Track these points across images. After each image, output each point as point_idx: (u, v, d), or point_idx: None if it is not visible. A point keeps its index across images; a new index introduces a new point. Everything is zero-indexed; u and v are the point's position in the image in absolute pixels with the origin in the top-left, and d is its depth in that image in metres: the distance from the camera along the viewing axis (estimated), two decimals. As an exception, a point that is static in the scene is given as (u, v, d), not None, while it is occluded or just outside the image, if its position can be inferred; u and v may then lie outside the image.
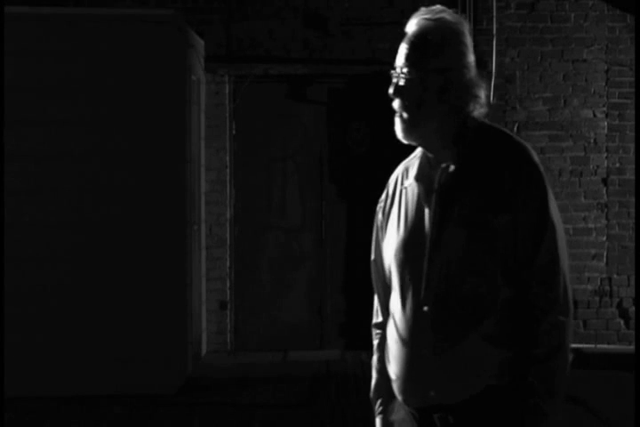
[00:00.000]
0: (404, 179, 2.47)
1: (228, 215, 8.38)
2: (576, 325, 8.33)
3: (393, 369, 2.40)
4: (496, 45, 8.31)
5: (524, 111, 8.37)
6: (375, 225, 2.55)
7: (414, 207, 2.37)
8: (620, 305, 8.33)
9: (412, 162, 2.48)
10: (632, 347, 7.67)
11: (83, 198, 6.69)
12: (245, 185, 8.44)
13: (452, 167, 2.31)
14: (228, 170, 8.37)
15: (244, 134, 8.42)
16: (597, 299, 8.33)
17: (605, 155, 8.37)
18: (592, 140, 8.37)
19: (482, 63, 8.32)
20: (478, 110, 2.36)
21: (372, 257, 2.56)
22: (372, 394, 2.59)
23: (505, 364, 2.25)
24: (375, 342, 2.59)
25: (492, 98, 8.33)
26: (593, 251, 8.34)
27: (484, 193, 2.26)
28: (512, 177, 2.25)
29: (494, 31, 8.31)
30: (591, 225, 8.34)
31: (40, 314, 6.66)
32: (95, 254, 6.68)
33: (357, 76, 8.31)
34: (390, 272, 2.43)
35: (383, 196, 2.54)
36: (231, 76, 8.38)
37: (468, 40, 2.36)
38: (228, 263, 8.34)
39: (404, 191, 2.44)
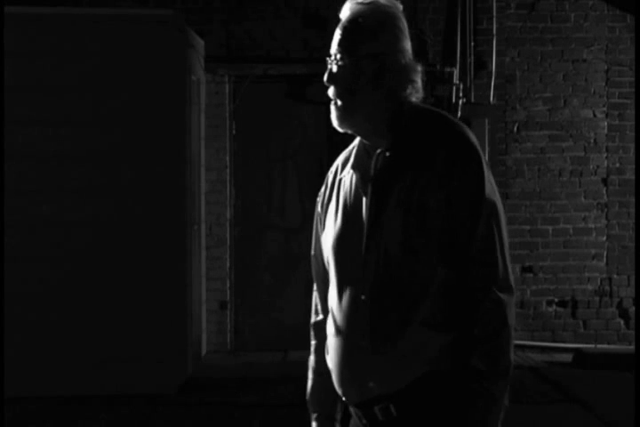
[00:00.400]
0: (343, 169, 2.40)
1: (228, 215, 8.38)
2: (576, 325, 8.34)
3: (331, 363, 2.32)
4: (496, 45, 8.31)
5: (523, 111, 8.37)
6: (315, 219, 2.48)
7: (351, 196, 2.31)
8: (620, 305, 8.33)
9: (351, 151, 2.39)
10: (632, 347, 7.67)
11: (82, 198, 6.69)
12: (245, 185, 8.44)
13: (386, 153, 2.25)
14: (227, 170, 8.37)
15: (244, 134, 8.42)
16: (597, 299, 8.33)
17: (605, 155, 8.37)
18: (592, 140, 8.37)
19: (482, 63, 8.32)
20: (414, 95, 2.28)
21: (312, 252, 2.48)
22: (308, 397, 2.49)
23: (445, 348, 2.16)
24: (313, 343, 2.50)
25: (492, 98, 8.33)
26: (593, 251, 8.34)
27: (418, 174, 2.19)
28: (447, 156, 2.18)
29: (494, 31, 8.31)
30: (591, 225, 8.34)
31: (40, 314, 6.66)
32: (95, 254, 6.67)
33: (357, 76, 8.29)
34: (329, 265, 2.35)
35: (322, 188, 2.47)
36: (231, 76, 8.38)
37: (403, 24, 2.28)
38: (227, 263, 8.34)
39: (341, 181, 2.37)
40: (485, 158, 2.24)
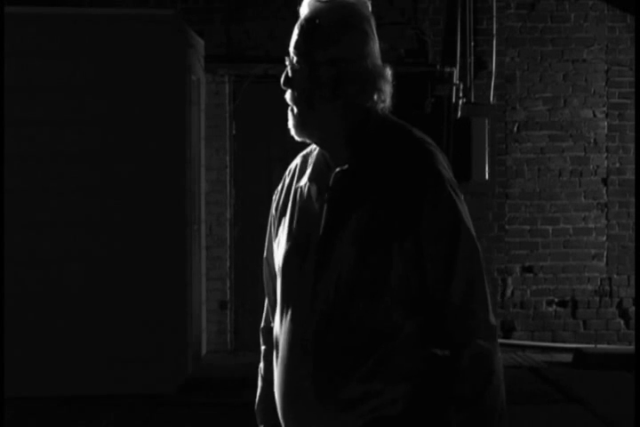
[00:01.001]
0: (301, 175, 2.12)
1: (228, 215, 8.38)
2: (576, 325, 8.34)
3: (276, 392, 2.08)
4: (496, 45, 8.31)
5: (523, 111, 8.37)
6: (269, 220, 2.22)
7: (305, 212, 2.05)
8: (620, 305, 8.33)
9: (312, 154, 2.13)
10: (632, 347, 7.66)
11: (82, 198, 6.69)
12: (245, 185, 8.44)
13: (344, 170, 1.99)
14: (227, 170, 8.37)
15: (244, 134, 8.42)
16: (597, 299, 8.33)
17: (605, 155, 8.37)
18: (592, 140, 8.37)
19: (482, 63, 8.32)
20: (380, 105, 2.04)
21: (265, 254, 2.24)
22: (256, 407, 2.30)
23: (402, 397, 1.94)
24: (263, 349, 2.30)
25: (492, 98, 8.33)
26: (593, 251, 8.34)
27: (381, 209, 1.93)
28: (415, 193, 1.93)
29: (494, 31, 8.31)
30: (591, 225, 8.34)
31: (40, 314, 6.66)
32: (95, 254, 6.67)
33: (357, 76, 8.29)
34: (277, 280, 2.12)
35: (279, 187, 2.19)
36: (231, 76, 8.38)
37: (370, 24, 2.01)
38: (228, 263, 8.34)
39: (298, 191, 2.09)
40: (454, 181, 2.00)
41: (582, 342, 8.20)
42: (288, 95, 2.10)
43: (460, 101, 8.24)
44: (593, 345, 8.14)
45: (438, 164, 1.99)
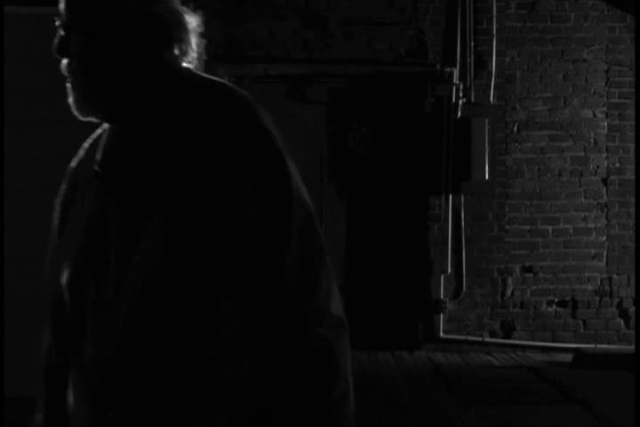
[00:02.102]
0: (88, 163, 1.73)
1: (228, 215, 8.38)
2: (576, 325, 8.34)
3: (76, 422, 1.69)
4: (496, 45, 8.31)
5: (523, 111, 8.37)
6: (53, 220, 1.83)
7: (96, 207, 1.66)
8: (620, 305, 8.33)
9: (103, 136, 1.74)
10: (632, 347, 7.67)
11: (83, 198, 6.70)
12: (245, 185, 8.43)
13: (144, 147, 1.60)
14: (227, 170, 8.37)
15: (244, 134, 8.42)
16: (597, 299, 8.33)
17: (605, 155, 8.37)
18: (592, 140, 8.37)
19: (482, 63, 8.33)
20: (185, 59, 1.66)
21: (48, 266, 1.79)
22: None
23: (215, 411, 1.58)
24: (48, 391, 1.79)
25: (492, 98, 8.33)
26: (593, 251, 8.34)
27: (190, 180, 1.55)
28: (229, 154, 1.55)
29: (494, 31, 8.31)
30: (591, 225, 8.34)
31: (40, 313, 6.65)
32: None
33: (357, 76, 8.31)
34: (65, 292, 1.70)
35: (63, 184, 1.86)
36: (231, 76, 8.38)
37: None
38: (227, 263, 8.34)
39: (86, 183, 1.72)
40: (287, 151, 1.67)
41: (582, 342, 8.20)
42: (64, 66, 1.73)
43: (460, 101, 8.24)
44: (593, 345, 8.14)
45: (263, 121, 1.64)
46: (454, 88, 8.24)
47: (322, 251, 1.59)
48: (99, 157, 1.68)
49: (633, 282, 8.22)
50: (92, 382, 1.60)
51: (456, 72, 8.27)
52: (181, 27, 1.66)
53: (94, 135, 1.79)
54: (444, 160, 8.18)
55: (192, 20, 1.72)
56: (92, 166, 1.68)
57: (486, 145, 8.17)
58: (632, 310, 8.26)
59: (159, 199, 1.56)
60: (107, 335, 1.59)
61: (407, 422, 5.90)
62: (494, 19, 8.32)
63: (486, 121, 8.20)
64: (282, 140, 1.64)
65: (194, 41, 1.69)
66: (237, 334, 1.57)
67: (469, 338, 8.27)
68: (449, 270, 8.27)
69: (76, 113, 1.66)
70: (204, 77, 1.68)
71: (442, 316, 8.26)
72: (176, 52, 1.64)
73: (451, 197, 8.27)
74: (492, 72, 8.30)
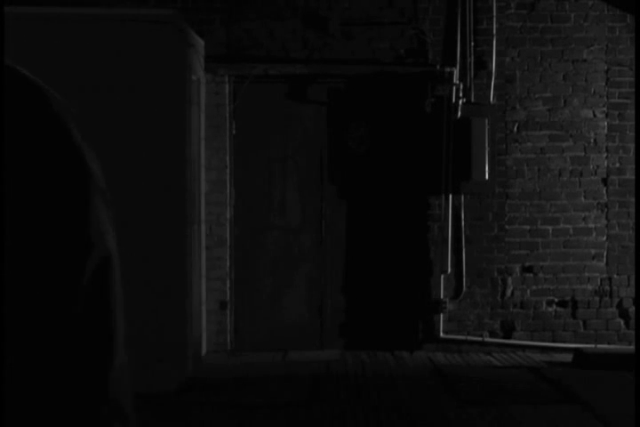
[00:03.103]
0: None
1: (228, 215, 8.38)
2: (576, 325, 8.34)
3: None
4: (496, 45, 8.31)
5: (523, 111, 8.37)
6: None
7: None
8: (620, 305, 8.33)
9: None
10: (632, 347, 7.67)
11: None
12: (245, 185, 8.44)
13: None
14: (227, 170, 8.37)
15: (244, 134, 8.42)
16: (597, 299, 8.33)
17: (605, 155, 8.37)
18: (592, 140, 8.37)
19: (482, 63, 8.33)
20: None
21: None
22: None
23: None
24: None
25: (492, 98, 8.33)
26: (593, 251, 8.34)
27: None
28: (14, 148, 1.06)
29: (494, 31, 8.31)
30: (591, 225, 8.34)
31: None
32: (95, 254, 6.68)
33: (357, 76, 8.31)
34: None
35: None
36: (231, 76, 8.38)
37: None
38: (228, 263, 8.34)
39: None
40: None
41: (582, 342, 8.20)
42: None
43: (460, 101, 8.24)
44: (593, 345, 8.15)
45: (59, 110, 1.08)
46: (454, 88, 8.24)
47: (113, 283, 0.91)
48: None
49: (633, 282, 8.22)
50: None
51: (456, 72, 8.27)
52: None
53: None
54: (443, 160, 8.18)
55: None
56: None
57: (486, 145, 8.17)
58: (632, 310, 8.26)
59: None
60: None
61: (407, 422, 5.90)
62: (494, 19, 8.32)
63: (486, 121, 8.20)
64: (80, 132, 1.02)
65: None
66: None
67: (469, 338, 8.27)
68: (449, 270, 8.27)
69: None
70: None
71: (442, 316, 8.26)
72: None
73: (451, 197, 8.28)
74: (491, 72, 8.30)
